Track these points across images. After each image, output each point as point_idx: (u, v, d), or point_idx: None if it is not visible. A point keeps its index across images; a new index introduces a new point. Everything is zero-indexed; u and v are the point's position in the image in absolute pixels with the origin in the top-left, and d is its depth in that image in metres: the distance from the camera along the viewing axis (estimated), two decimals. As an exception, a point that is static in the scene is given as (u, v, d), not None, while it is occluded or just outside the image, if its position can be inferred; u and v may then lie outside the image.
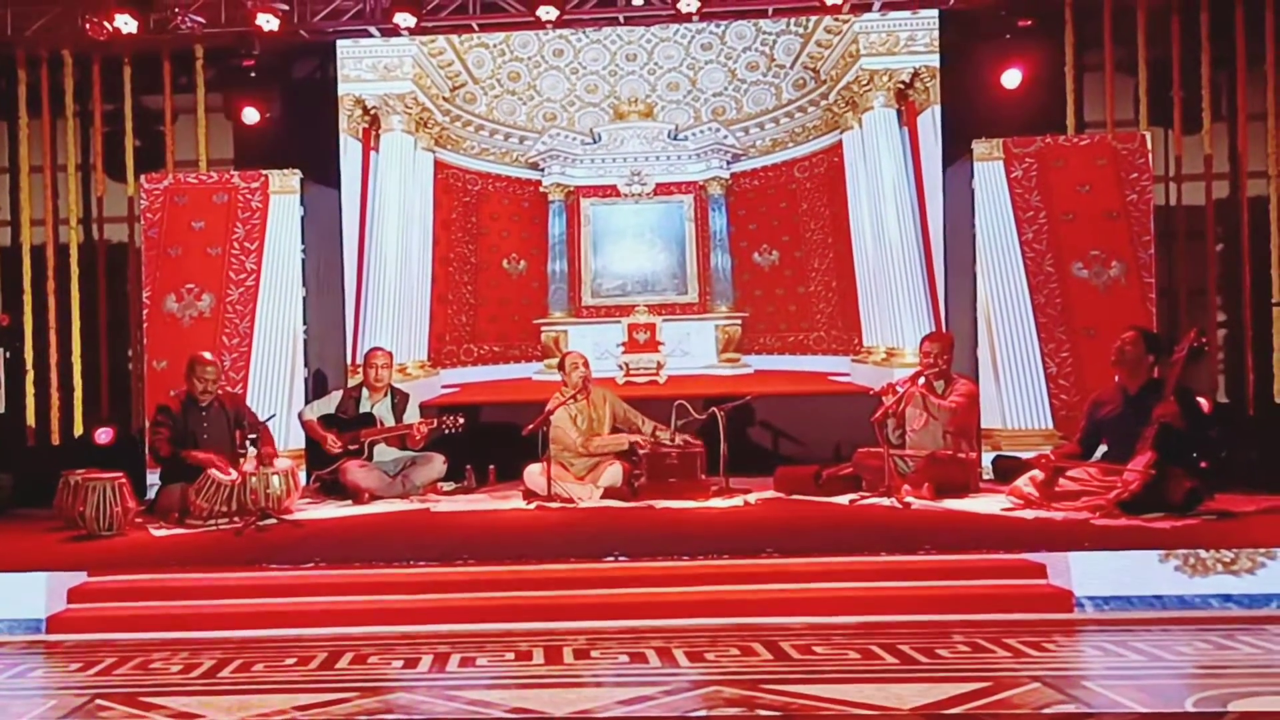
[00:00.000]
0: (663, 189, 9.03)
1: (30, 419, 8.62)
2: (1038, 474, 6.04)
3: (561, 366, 7.26)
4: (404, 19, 7.88)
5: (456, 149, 9.05)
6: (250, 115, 8.23)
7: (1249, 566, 4.56)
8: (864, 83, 8.55)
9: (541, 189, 9.09)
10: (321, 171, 8.54)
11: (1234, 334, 8.21)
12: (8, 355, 8.32)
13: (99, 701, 3.63)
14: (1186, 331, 6.22)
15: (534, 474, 6.89)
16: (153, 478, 7.15)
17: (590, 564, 4.97)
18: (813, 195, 8.96)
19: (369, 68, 8.70)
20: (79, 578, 4.96)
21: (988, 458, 7.49)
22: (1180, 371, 5.61)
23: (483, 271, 9.13)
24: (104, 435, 7.93)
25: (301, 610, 4.73)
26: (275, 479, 6.31)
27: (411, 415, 7.36)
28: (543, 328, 9.00)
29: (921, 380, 6.63)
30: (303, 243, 8.25)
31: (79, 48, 8.41)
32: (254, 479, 6.16)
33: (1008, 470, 6.90)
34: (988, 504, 6.25)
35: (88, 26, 7.77)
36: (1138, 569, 4.60)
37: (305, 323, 8.23)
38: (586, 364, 7.15)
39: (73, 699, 3.68)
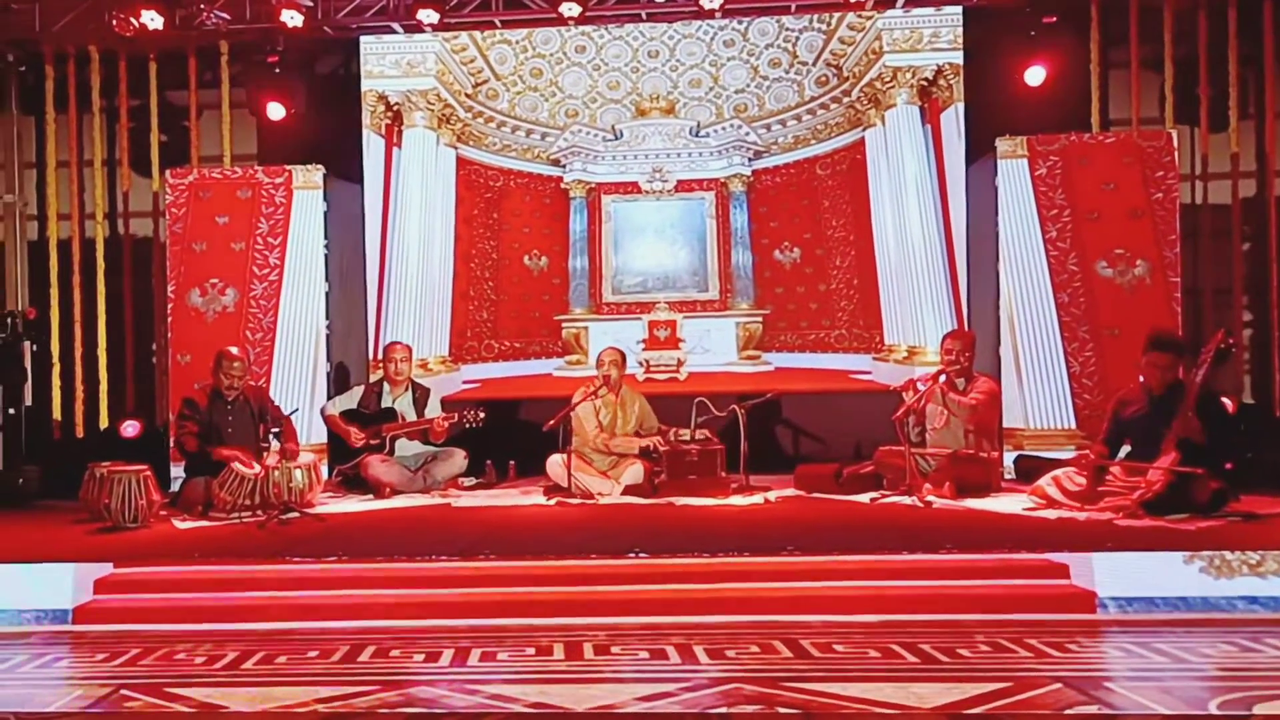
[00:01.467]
0: (684, 186, 9.02)
1: (56, 412, 8.71)
2: (1063, 475, 5.99)
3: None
4: (427, 15, 7.91)
5: (478, 145, 9.07)
6: (276, 111, 8.27)
7: (1275, 569, 4.52)
8: (887, 80, 8.52)
9: (563, 185, 9.10)
10: (344, 167, 8.58)
11: (1260, 334, 8.14)
12: (34, 349, 8.41)
13: (124, 692, 3.66)
14: (1212, 331, 6.17)
15: (556, 464, 6.92)
16: (177, 470, 7.20)
17: (611, 560, 4.98)
18: (835, 192, 8.94)
19: (392, 64, 8.73)
20: (105, 569, 5.00)
21: (1010, 457, 7.44)
22: (1207, 373, 5.56)
23: (504, 267, 9.16)
24: (131, 428, 8.00)
25: (324, 603, 4.76)
26: (298, 473, 6.36)
27: (433, 410, 7.39)
28: (564, 324, 9.02)
29: (943, 378, 6.60)
30: (325, 238, 8.30)
31: (105, 44, 8.48)
32: (277, 473, 6.21)
33: (1030, 470, 6.86)
34: (1010, 504, 6.21)
35: (114, 22, 7.85)
36: (1162, 570, 4.57)
37: (328, 318, 8.27)
38: (618, 363, 7.14)
39: (98, 689, 3.71)
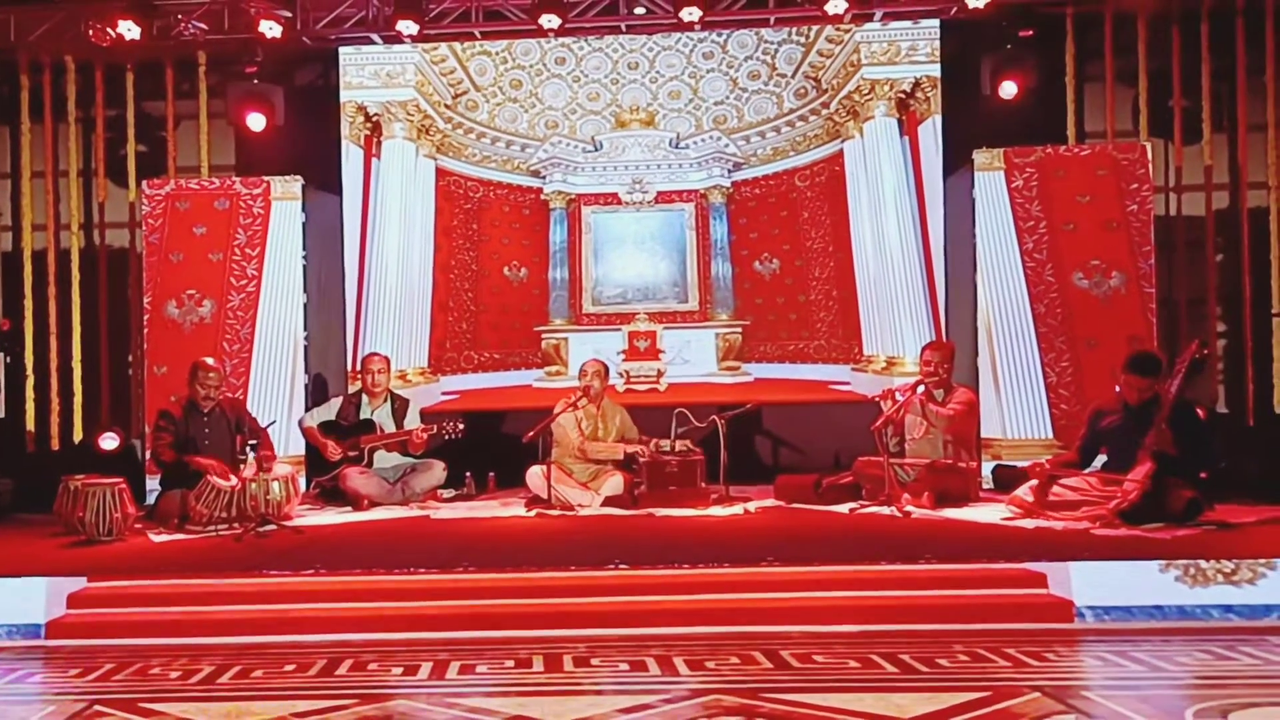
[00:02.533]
0: (664, 197, 9.03)
1: (30, 424, 8.61)
2: (1034, 482, 6.04)
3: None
4: (406, 26, 7.90)
5: (458, 156, 9.06)
6: (256, 122, 8.21)
7: (1249, 577, 4.56)
8: (865, 92, 8.57)
9: (543, 196, 9.09)
10: (323, 178, 8.55)
11: (1234, 344, 8.21)
12: (8, 360, 8.33)
13: (98, 707, 3.62)
14: (1187, 342, 6.23)
15: (536, 475, 6.91)
16: (152, 483, 7.15)
17: (590, 572, 4.98)
18: (814, 204, 8.97)
19: (371, 75, 8.72)
20: (79, 583, 4.96)
21: (988, 467, 7.49)
22: (1181, 384, 5.61)
23: (484, 278, 9.14)
24: (110, 440, 7.90)
25: (301, 616, 4.73)
26: (275, 485, 6.30)
27: (412, 421, 7.36)
28: (543, 335, 9.00)
29: (921, 389, 6.63)
30: (304, 249, 8.27)
31: (82, 53, 8.42)
32: (254, 485, 6.15)
33: (1008, 479, 6.90)
34: (988, 513, 6.25)
35: (91, 32, 7.79)
36: (1138, 579, 4.60)
37: (306, 329, 8.24)
38: (601, 374, 7.13)
39: (71, 704, 3.67)
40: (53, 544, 5.91)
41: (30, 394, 8.61)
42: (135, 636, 4.60)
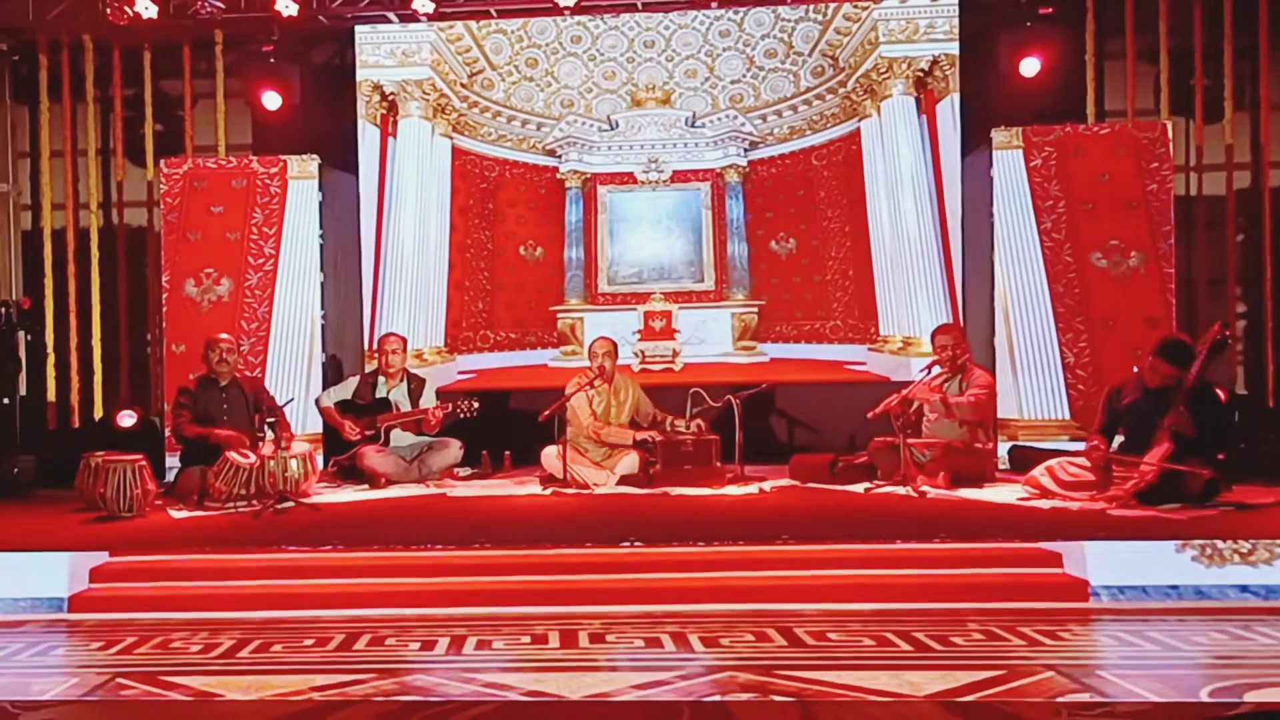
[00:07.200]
0: (680, 176, 9.00)
1: (51, 401, 8.68)
2: (1056, 465, 6.01)
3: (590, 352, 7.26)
4: (423, 5, 7.90)
5: (474, 135, 9.05)
6: (272, 101, 8.23)
7: (1266, 557, 4.54)
8: (883, 70, 8.51)
9: (558, 176, 9.08)
10: (340, 157, 8.56)
11: (1254, 325, 8.16)
12: (29, 338, 8.40)
13: (119, 680, 3.67)
14: (1206, 323, 6.20)
15: (551, 456, 6.93)
16: (172, 460, 7.21)
17: (606, 549, 4.99)
18: (830, 183, 8.93)
19: (387, 53, 8.71)
20: (101, 558, 5.01)
21: (1004, 448, 7.47)
22: (1202, 365, 5.58)
23: (499, 258, 9.14)
24: (127, 418, 7.97)
25: (319, 592, 4.76)
26: (293, 463, 6.36)
27: (428, 401, 7.39)
28: (559, 314, 9.01)
29: (936, 371, 6.60)
30: (321, 228, 8.29)
31: (100, 33, 8.46)
32: (272, 462, 6.20)
33: (1024, 460, 6.89)
34: (1003, 493, 6.24)
35: (109, 12, 7.83)
36: (1154, 559, 4.59)
37: (323, 308, 8.27)
38: (611, 352, 7.13)
39: (94, 677, 3.72)
40: (75, 520, 5.98)
41: (51, 372, 8.69)
42: (156, 610, 4.64)
